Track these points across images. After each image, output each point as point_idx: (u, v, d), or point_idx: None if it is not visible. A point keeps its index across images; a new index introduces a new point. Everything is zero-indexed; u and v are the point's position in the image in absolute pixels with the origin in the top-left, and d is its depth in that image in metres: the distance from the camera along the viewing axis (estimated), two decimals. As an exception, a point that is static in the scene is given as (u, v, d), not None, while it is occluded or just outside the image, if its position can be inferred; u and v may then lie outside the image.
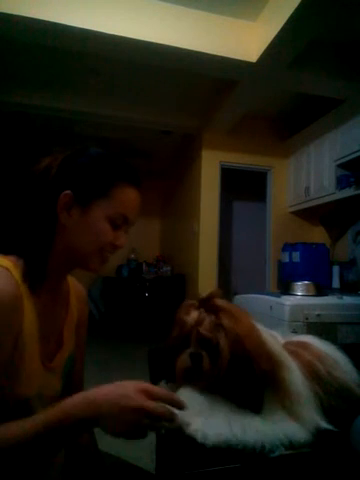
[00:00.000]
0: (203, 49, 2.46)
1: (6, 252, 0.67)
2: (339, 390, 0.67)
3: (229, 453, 0.55)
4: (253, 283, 4.02)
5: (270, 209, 4.05)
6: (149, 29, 2.38)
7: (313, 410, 0.62)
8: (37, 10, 2.18)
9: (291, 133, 3.89)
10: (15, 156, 3.58)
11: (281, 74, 2.70)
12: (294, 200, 3.91)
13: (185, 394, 0.61)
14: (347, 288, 3.13)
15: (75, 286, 0.86)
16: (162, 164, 5.43)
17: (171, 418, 0.53)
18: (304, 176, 3.69)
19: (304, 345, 0.76)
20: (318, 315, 1.95)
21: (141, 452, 1.42)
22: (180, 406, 0.55)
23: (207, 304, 0.65)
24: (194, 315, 0.64)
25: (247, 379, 0.59)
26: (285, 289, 2.36)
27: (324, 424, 0.61)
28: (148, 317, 4.44)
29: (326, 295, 2.23)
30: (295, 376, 0.64)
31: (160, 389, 0.57)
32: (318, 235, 3.94)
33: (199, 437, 0.56)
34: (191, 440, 0.57)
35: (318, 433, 0.59)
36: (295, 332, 1.80)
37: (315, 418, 0.61)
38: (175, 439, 0.58)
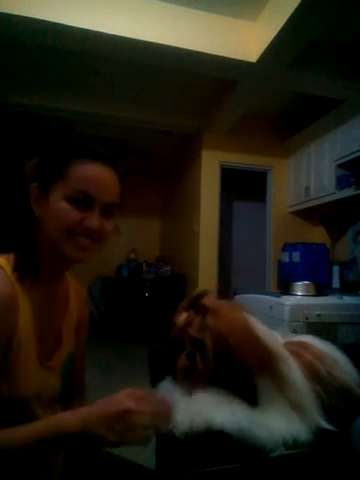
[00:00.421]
0: (203, 49, 2.46)
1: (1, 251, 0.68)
2: (339, 390, 0.67)
3: (230, 449, 0.55)
4: (253, 283, 4.01)
5: (270, 209, 4.04)
6: (149, 29, 2.38)
7: (313, 405, 0.63)
8: (37, 10, 2.18)
9: (291, 133, 3.89)
10: (14, 157, 3.57)
11: (281, 74, 2.70)
12: (294, 200, 3.91)
13: (195, 394, 0.63)
14: (347, 288, 3.12)
15: (75, 286, 0.86)
16: (162, 164, 5.43)
17: (161, 415, 0.56)
18: (304, 176, 3.69)
19: (304, 345, 0.76)
20: (318, 315, 1.94)
21: (141, 449, 1.41)
22: (166, 405, 0.57)
23: (196, 304, 0.67)
24: (183, 317, 0.67)
25: (232, 375, 0.61)
26: (285, 289, 2.35)
27: (325, 424, 0.61)
28: (148, 317, 4.44)
29: (326, 295, 2.23)
30: (292, 368, 0.65)
31: (144, 391, 0.59)
32: (318, 235, 3.94)
33: (218, 423, 0.57)
34: (191, 440, 0.57)
35: (318, 433, 0.59)
36: (295, 332, 1.80)
37: (315, 415, 0.62)
38: (175, 439, 0.57)
